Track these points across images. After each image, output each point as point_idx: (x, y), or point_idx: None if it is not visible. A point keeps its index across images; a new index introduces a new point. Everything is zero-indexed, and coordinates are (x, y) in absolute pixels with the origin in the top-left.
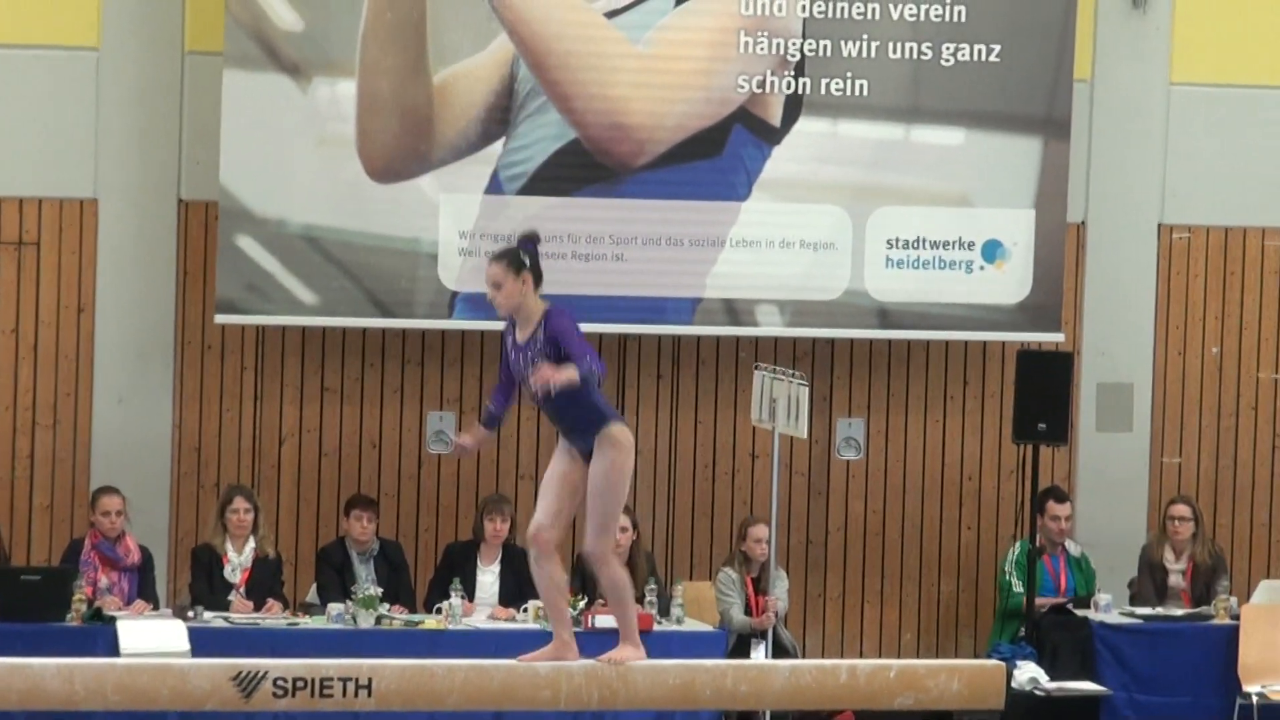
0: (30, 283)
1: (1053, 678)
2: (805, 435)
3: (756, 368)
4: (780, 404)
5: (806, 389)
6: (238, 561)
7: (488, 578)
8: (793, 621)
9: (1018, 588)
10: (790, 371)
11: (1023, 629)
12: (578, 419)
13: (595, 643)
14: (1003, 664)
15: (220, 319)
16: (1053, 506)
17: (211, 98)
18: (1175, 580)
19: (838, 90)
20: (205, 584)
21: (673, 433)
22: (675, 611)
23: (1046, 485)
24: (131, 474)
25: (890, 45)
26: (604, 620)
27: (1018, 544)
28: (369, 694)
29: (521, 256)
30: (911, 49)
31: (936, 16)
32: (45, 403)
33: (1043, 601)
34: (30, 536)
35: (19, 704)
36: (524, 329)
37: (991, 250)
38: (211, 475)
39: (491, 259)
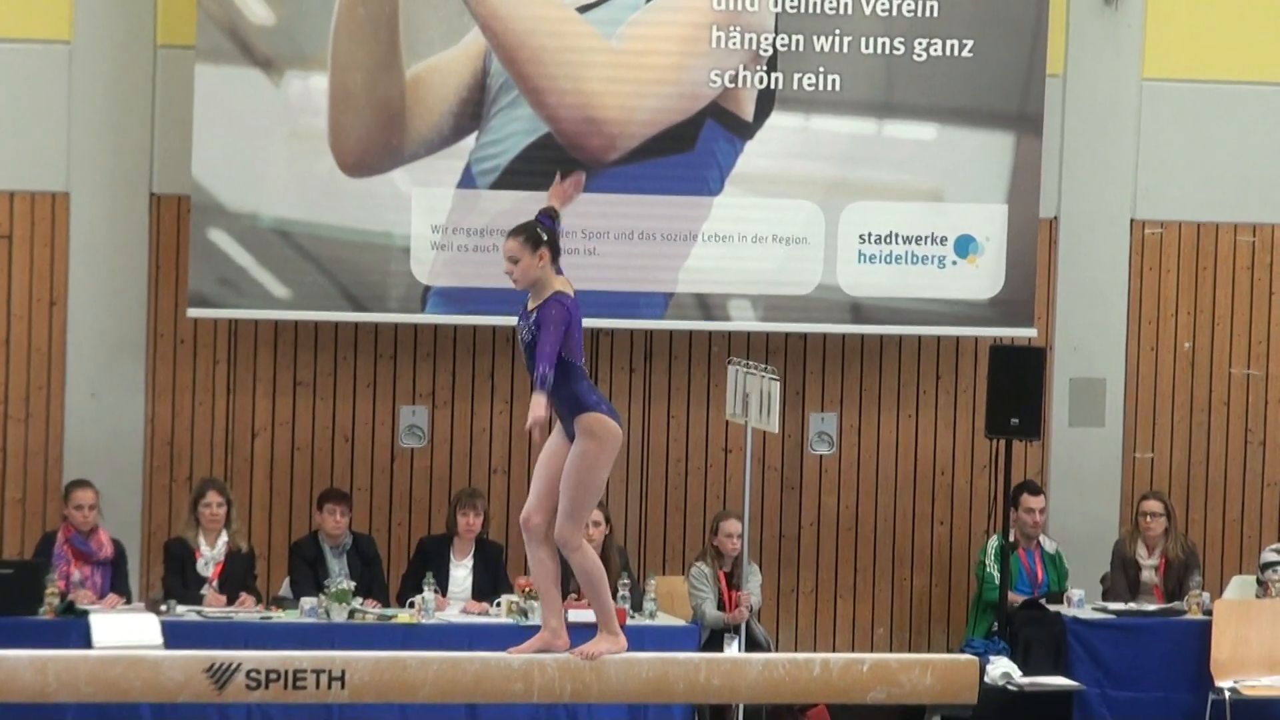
0: (2, 276)
1: (1026, 673)
2: (776, 429)
3: (730, 362)
4: (752, 398)
5: (778, 383)
6: (210, 555)
7: (461, 572)
8: (766, 616)
9: (999, 580)
10: (762, 366)
11: (995, 624)
12: (560, 404)
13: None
14: (976, 659)
15: (193, 313)
16: (1027, 499)
17: (184, 91)
18: (1148, 576)
19: (810, 85)
20: (178, 578)
21: (645, 427)
22: (648, 606)
23: (1019, 480)
24: (104, 468)
25: (863, 40)
26: (577, 614)
27: (993, 538)
28: (342, 686)
29: (539, 232)
30: (884, 44)
31: (909, 11)
32: (17, 396)
33: (1015, 597)
34: (2, 530)
35: None
36: (533, 301)
37: (964, 245)
38: (184, 469)
39: (509, 234)
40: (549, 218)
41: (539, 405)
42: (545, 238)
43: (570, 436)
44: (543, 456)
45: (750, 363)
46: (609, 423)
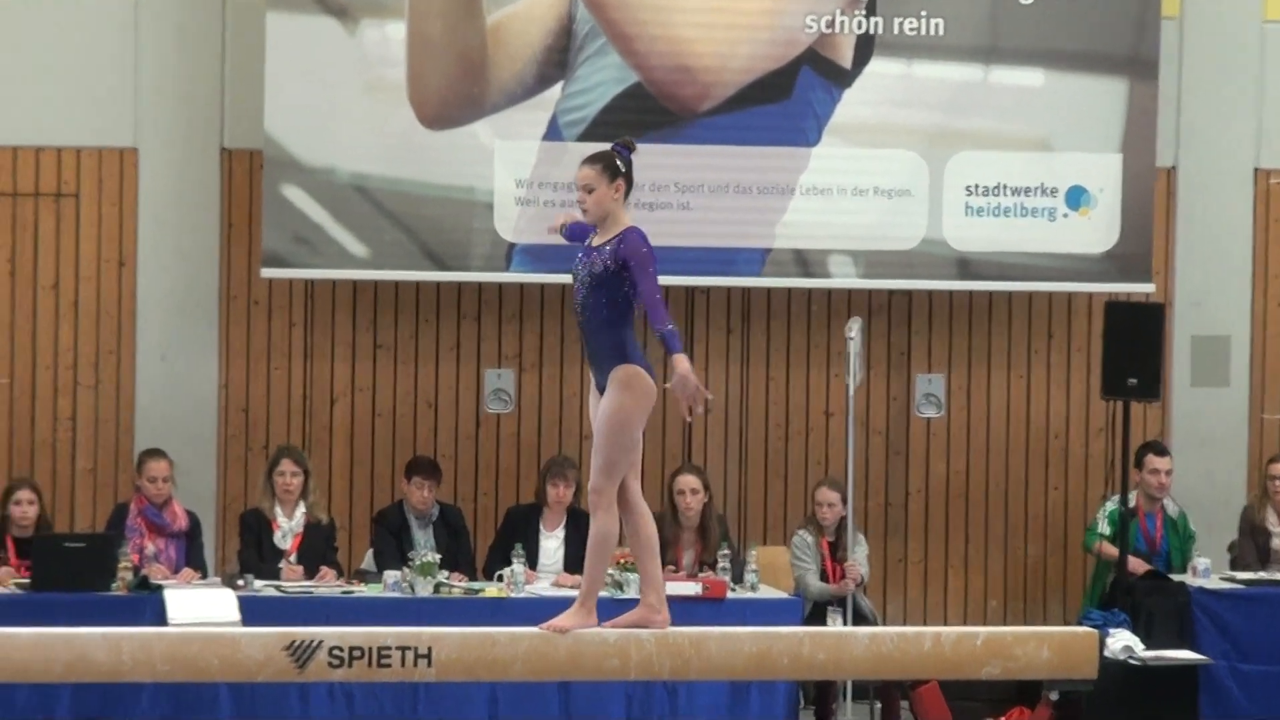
0: (70, 236)
1: (1148, 646)
2: (855, 384)
3: (850, 336)
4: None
5: (855, 340)
6: (288, 527)
7: (552, 543)
8: (872, 588)
9: (1109, 550)
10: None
11: (1104, 592)
12: (599, 348)
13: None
14: (1095, 631)
15: (267, 273)
16: (1152, 460)
17: (255, 42)
18: (1278, 544)
19: (911, 30)
20: (255, 551)
21: (743, 390)
22: (749, 577)
23: (1137, 444)
24: (177, 436)
25: None
26: (676, 588)
27: (1109, 501)
28: (429, 664)
29: (617, 162)
30: None
31: None
32: (86, 361)
33: (1138, 564)
34: (73, 502)
35: (64, 675)
36: (601, 236)
37: (1076, 197)
38: (260, 437)
39: (585, 161)
40: (626, 148)
41: (688, 369)
42: (623, 169)
43: (601, 389)
44: (595, 420)
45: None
46: (646, 378)
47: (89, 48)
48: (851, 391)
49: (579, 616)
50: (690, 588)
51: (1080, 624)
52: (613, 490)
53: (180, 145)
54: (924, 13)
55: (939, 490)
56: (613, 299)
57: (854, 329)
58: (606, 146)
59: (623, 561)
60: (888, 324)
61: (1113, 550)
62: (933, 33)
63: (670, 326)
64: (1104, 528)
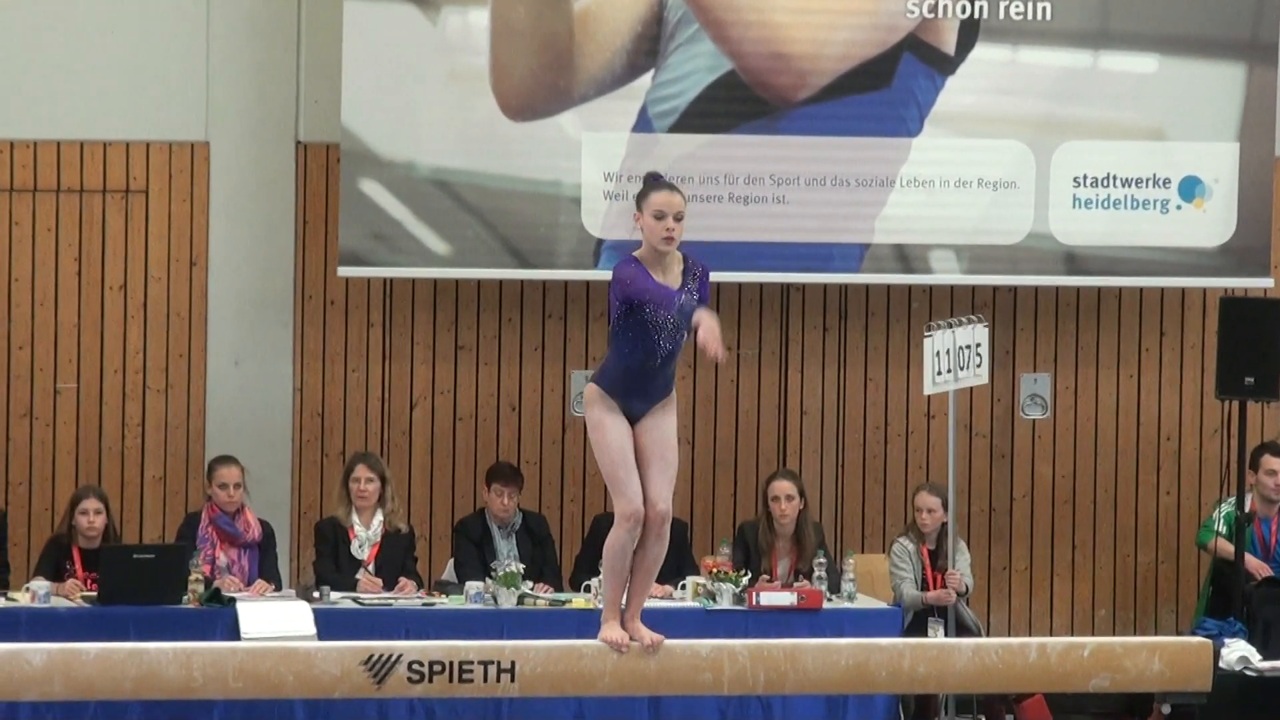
0: (139, 234)
1: (1265, 656)
2: (985, 381)
3: (930, 330)
4: (952, 354)
5: (986, 328)
6: (365, 536)
7: None
8: (975, 597)
9: (1225, 547)
10: (966, 317)
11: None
12: (664, 382)
13: (761, 621)
14: (1209, 641)
15: (344, 271)
16: (1269, 461)
17: (332, 30)
18: None
19: (1018, 14)
20: (331, 561)
21: (840, 391)
22: (846, 587)
23: (1254, 445)
24: (250, 442)
25: None
26: (770, 598)
27: (1224, 504)
28: (512, 679)
29: None
30: None
31: None
32: (156, 365)
33: (1255, 567)
34: (142, 511)
35: (134, 692)
36: (665, 274)
37: (1190, 188)
38: (336, 442)
39: (669, 186)
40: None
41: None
42: None
43: (633, 414)
44: (622, 444)
45: (953, 320)
46: None
47: (158, 37)
48: (954, 392)
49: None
50: (785, 598)
51: (1193, 634)
52: None
53: (253, 139)
54: None
55: (1045, 495)
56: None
57: (940, 328)
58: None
59: (715, 570)
60: (992, 321)
61: (1228, 546)
62: (1040, 17)
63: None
64: (1220, 528)
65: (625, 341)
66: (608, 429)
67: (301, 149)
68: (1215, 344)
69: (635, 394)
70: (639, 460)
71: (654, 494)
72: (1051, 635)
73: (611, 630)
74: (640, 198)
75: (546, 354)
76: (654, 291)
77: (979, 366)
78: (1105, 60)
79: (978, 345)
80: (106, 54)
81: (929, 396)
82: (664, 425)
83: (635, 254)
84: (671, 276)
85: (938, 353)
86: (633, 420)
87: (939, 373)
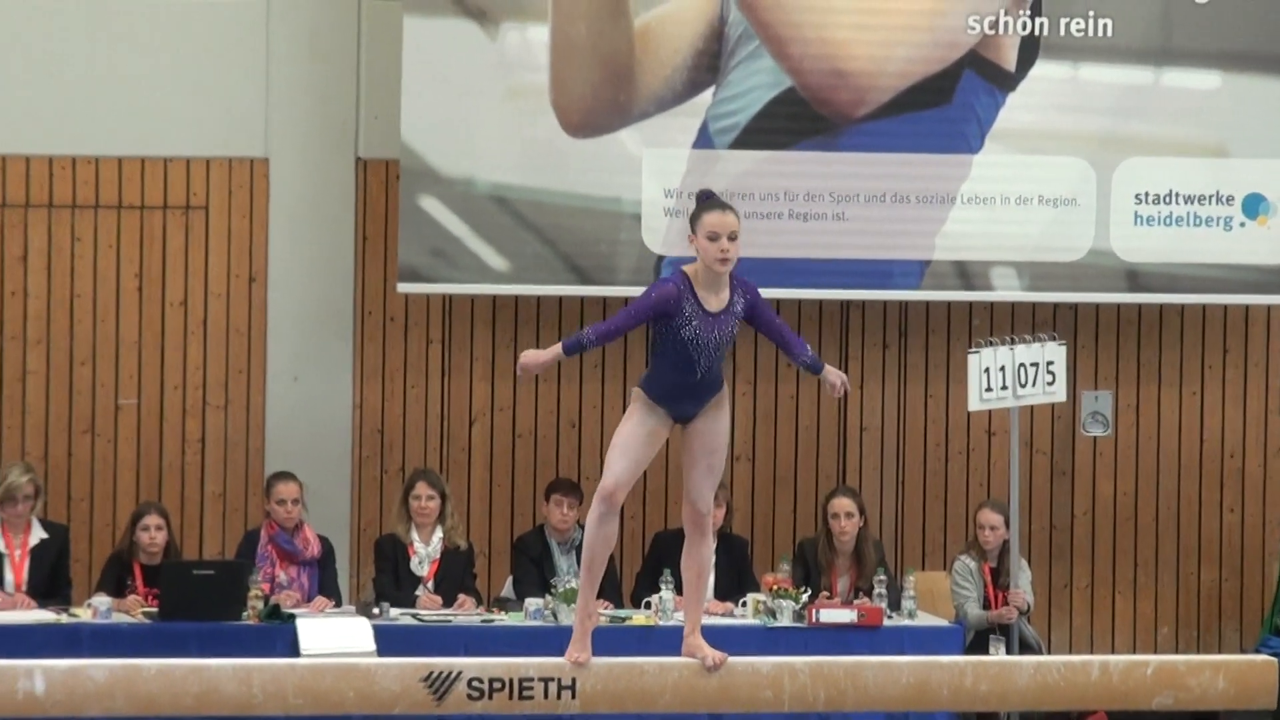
0: (199, 250)
1: None
2: (1063, 398)
3: (978, 348)
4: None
5: (1062, 346)
6: (425, 553)
7: None
8: (1036, 615)
9: None
10: (1034, 335)
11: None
12: (712, 387)
13: (821, 639)
14: (1274, 659)
15: (403, 288)
16: None
17: (391, 47)
18: None
19: (1079, 31)
20: (390, 578)
21: (900, 408)
22: (907, 604)
23: None
24: (309, 458)
25: None
26: (830, 615)
27: None
28: (573, 695)
29: None
30: None
31: None
32: (215, 381)
33: None
34: (201, 527)
35: (194, 708)
36: (716, 294)
37: (1253, 205)
38: (395, 459)
39: (721, 205)
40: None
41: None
42: None
43: (678, 416)
44: (640, 433)
45: (1014, 337)
46: None
47: (219, 54)
48: (1016, 410)
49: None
50: (846, 615)
51: (1258, 651)
52: None
53: (313, 155)
54: (1092, 12)
55: (1106, 512)
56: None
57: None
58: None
59: (775, 588)
60: (1043, 339)
61: None
62: (1101, 33)
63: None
64: None
65: (664, 358)
66: (632, 420)
67: (361, 165)
68: (1278, 361)
69: (683, 399)
70: (687, 462)
71: (695, 493)
72: (1113, 653)
73: (575, 649)
74: (693, 219)
75: (606, 371)
76: (684, 313)
77: (1051, 384)
78: (1167, 77)
79: (1049, 363)
80: (168, 71)
81: (990, 414)
82: (715, 428)
83: (686, 269)
84: (720, 297)
85: (986, 369)
86: (685, 420)
87: (987, 389)
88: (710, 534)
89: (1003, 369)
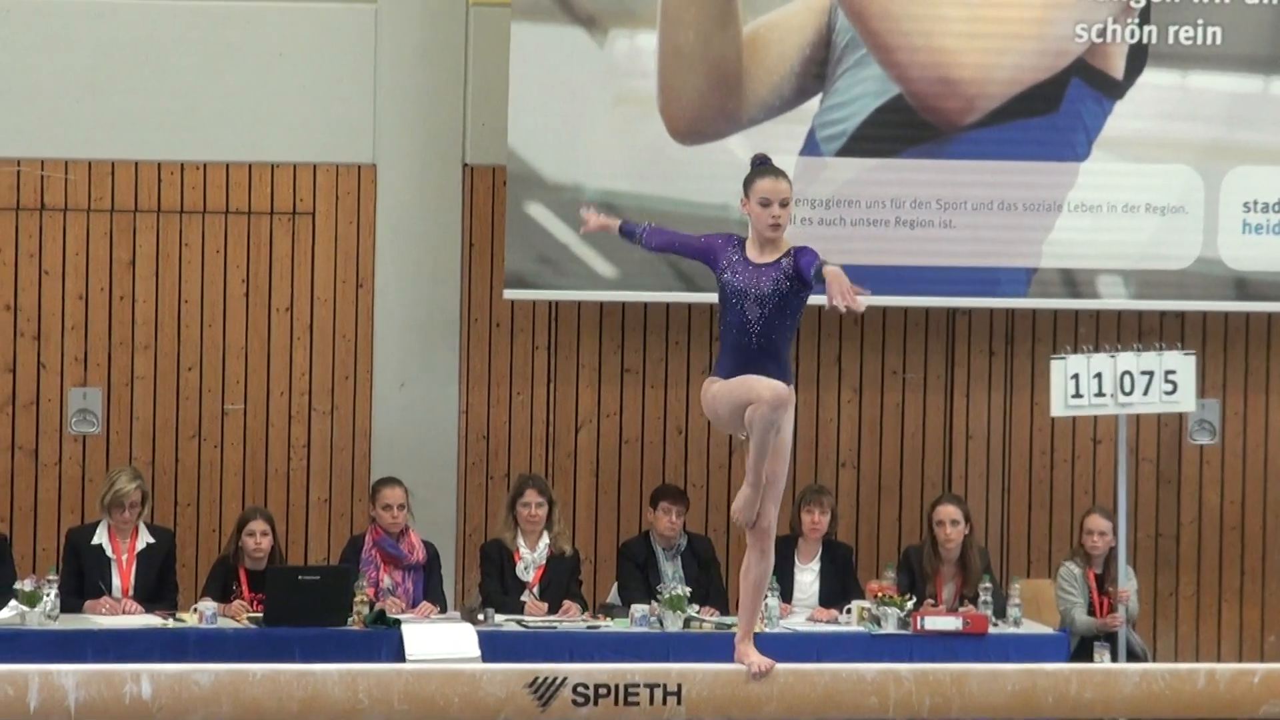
0: (305, 256)
1: None
2: (1191, 408)
3: (1058, 357)
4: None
5: (1191, 358)
6: (531, 559)
7: (807, 576)
8: (1142, 623)
9: None
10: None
11: None
12: (767, 367)
13: (926, 646)
14: None
15: (510, 294)
16: None
17: (499, 53)
18: None
19: (1187, 39)
20: (496, 584)
21: (1007, 416)
22: (1012, 612)
23: None
24: (415, 464)
25: None
26: (936, 622)
27: None
28: (679, 701)
29: None
30: None
31: None
32: (322, 387)
33: None
34: (307, 532)
35: (300, 714)
36: (767, 252)
37: None
38: (501, 465)
39: (775, 172)
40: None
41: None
42: None
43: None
44: (728, 384)
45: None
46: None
47: (327, 61)
48: (1124, 418)
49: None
50: (951, 622)
51: None
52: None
53: (420, 161)
54: (1200, 21)
55: (1213, 521)
56: (794, 319)
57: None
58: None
59: (880, 595)
60: (1159, 347)
61: None
62: (1210, 42)
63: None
64: None
65: (723, 324)
66: (716, 383)
67: (468, 171)
68: None
69: (744, 369)
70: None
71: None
72: (1220, 661)
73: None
74: (746, 183)
75: None
76: (728, 256)
77: (1171, 393)
78: (1277, 85)
79: (1170, 373)
80: (276, 77)
81: (1095, 422)
82: (783, 434)
83: (743, 237)
84: (768, 257)
85: (1074, 375)
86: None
87: (1074, 394)
88: (770, 549)
89: (1098, 376)
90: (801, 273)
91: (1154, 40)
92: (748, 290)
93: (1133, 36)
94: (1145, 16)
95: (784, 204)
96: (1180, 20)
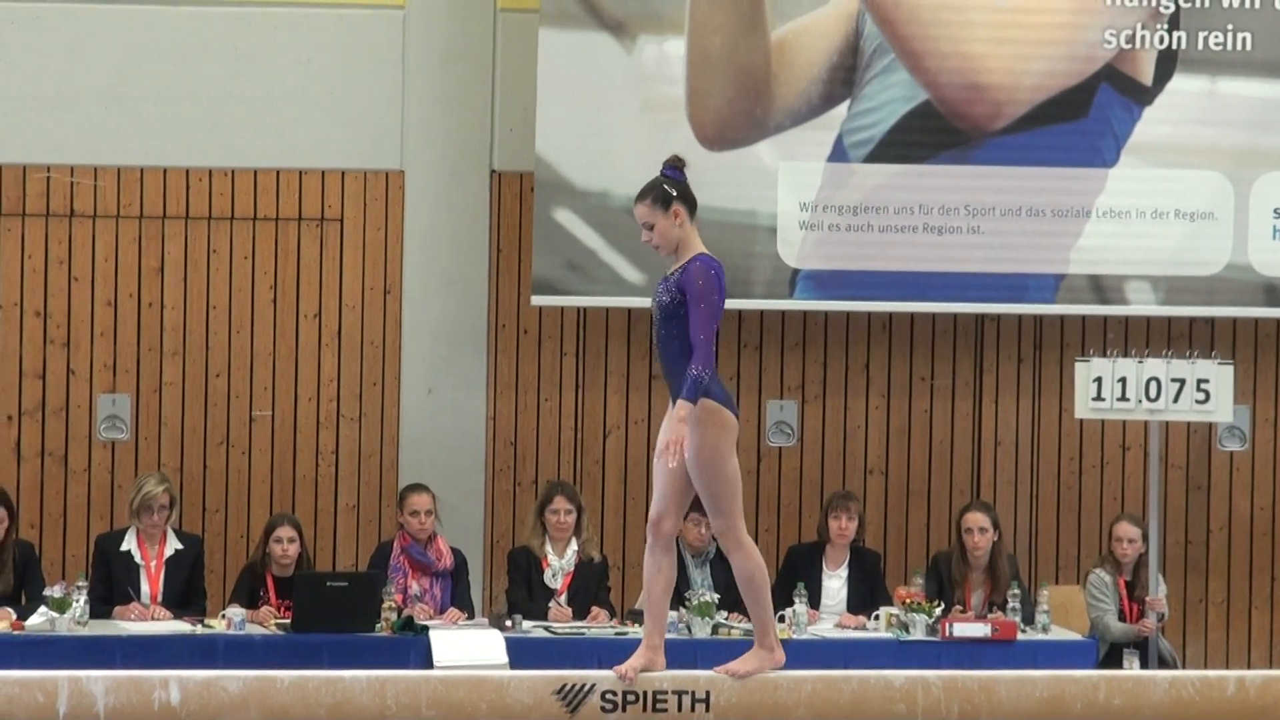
0: (333, 262)
1: None
2: (1229, 419)
3: (1082, 359)
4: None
5: (1228, 368)
6: (559, 566)
7: (834, 583)
8: (1171, 629)
9: None
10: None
11: None
12: (675, 381)
13: (954, 653)
14: None
15: (537, 300)
16: None
17: (526, 59)
18: None
19: (1216, 44)
20: (524, 590)
21: (1035, 422)
22: (1041, 619)
23: None
24: (442, 471)
25: None
26: (964, 629)
27: None
28: (706, 708)
29: (667, 188)
30: None
31: None
32: (349, 393)
33: None
34: (335, 539)
35: (328, 719)
36: (675, 263)
37: None
38: (529, 471)
39: (637, 197)
40: (675, 169)
41: (682, 421)
42: (675, 192)
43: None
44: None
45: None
46: (724, 413)
47: (355, 67)
48: (1154, 425)
49: (759, 659)
50: (979, 629)
51: None
52: (736, 527)
53: (448, 168)
54: (1230, 26)
55: (1243, 527)
56: (683, 331)
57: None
58: (659, 175)
59: (909, 601)
60: (1188, 353)
61: None
62: (1239, 47)
63: (698, 371)
64: None
65: None
66: None
67: (496, 178)
68: None
69: (669, 389)
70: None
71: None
72: (1250, 668)
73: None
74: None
75: (742, 383)
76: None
77: (1204, 402)
78: None
79: (1202, 381)
80: (304, 83)
81: (1124, 428)
82: (689, 446)
83: None
84: (673, 268)
85: (1097, 379)
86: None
87: (1096, 397)
88: (673, 549)
89: (1122, 380)
90: (683, 290)
91: (1183, 46)
92: (657, 301)
93: (1161, 42)
94: (1174, 22)
95: (647, 226)
96: (1209, 26)
